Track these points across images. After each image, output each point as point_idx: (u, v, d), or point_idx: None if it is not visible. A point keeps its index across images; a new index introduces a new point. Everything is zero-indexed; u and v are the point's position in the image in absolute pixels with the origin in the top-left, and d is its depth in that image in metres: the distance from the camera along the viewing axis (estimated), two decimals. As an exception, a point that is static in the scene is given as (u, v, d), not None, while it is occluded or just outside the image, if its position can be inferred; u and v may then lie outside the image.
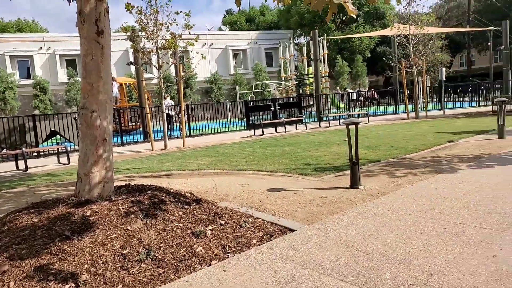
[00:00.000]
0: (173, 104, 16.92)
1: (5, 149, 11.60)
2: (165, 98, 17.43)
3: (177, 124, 16.73)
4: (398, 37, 17.38)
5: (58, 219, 3.75)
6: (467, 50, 39.28)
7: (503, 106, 9.20)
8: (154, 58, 11.64)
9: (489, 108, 17.59)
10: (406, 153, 8.21)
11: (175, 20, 11.32)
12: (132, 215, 3.92)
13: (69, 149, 11.07)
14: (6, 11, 75.54)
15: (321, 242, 3.58)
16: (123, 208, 4.03)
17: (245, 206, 5.01)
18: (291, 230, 4.00)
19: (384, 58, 25.95)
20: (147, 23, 11.01)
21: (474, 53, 45.29)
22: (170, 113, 16.40)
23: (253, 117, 17.58)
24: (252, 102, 18.46)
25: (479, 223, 3.75)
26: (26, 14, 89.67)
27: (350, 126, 5.72)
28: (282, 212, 4.68)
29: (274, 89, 30.12)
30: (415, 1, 17.90)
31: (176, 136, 15.61)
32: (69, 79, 28.17)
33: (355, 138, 5.62)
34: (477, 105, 21.00)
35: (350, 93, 21.94)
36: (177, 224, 4.01)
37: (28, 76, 28.44)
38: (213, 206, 4.76)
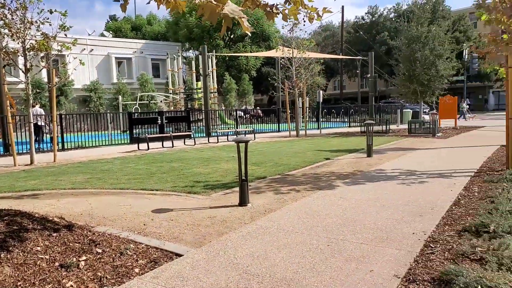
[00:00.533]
0: (43, 113, 14.97)
1: None
2: (33, 106, 15.38)
3: (48, 135, 14.91)
4: (282, 59, 18.47)
5: None
6: (339, 76, 43.88)
7: (371, 127, 10.35)
8: (20, 60, 10.20)
9: (358, 129, 19.75)
10: (289, 169, 8.60)
11: (47, 19, 10.12)
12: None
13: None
14: None
15: (210, 267, 3.42)
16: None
17: (127, 230, 4.58)
18: (178, 255, 3.75)
19: (269, 79, 27.38)
20: (12, 19, 9.63)
21: (346, 78, 50.86)
22: (40, 123, 14.50)
23: (137, 130, 16.68)
24: (136, 114, 17.54)
25: (357, 238, 4.02)
26: None
27: (240, 144, 5.72)
28: (168, 236, 4.39)
29: (161, 101, 29.21)
30: (298, 27, 19.27)
31: (46, 149, 13.89)
32: None
33: (244, 155, 5.63)
34: (348, 125, 23.45)
35: (238, 111, 22.51)
36: (42, 256, 3.43)
37: None
38: (88, 232, 4.24)
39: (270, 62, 40.27)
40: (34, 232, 3.76)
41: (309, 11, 4.35)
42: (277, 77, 24.97)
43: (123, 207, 5.65)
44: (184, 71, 32.58)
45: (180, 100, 26.95)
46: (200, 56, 25.11)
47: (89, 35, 32.73)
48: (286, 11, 4.31)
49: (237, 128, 19.34)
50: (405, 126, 20.90)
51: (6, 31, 9.53)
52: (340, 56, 34.96)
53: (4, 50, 9.66)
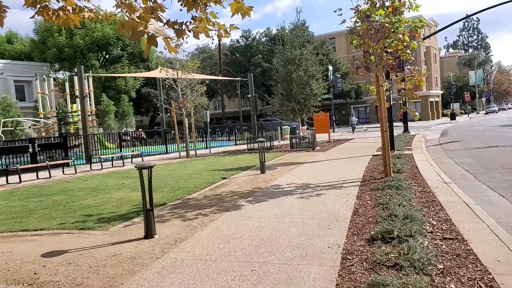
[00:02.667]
0: None
1: None
2: None
3: None
4: (167, 80, 18.01)
5: None
6: (219, 96, 44.82)
7: (263, 145, 10.68)
8: None
9: (245, 146, 20.28)
10: (189, 193, 8.29)
11: None
12: None
13: None
14: None
15: (133, 316, 2.99)
16: None
17: (13, 283, 3.81)
18: (90, 308, 3.21)
19: (154, 99, 26.46)
20: None
21: (226, 98, 52.16)
22: None
23: (3, 161, 14.29)
24: (1, 142, 15.06)
25: (278, 259, 3.99)
26: None
27: (143, 170, 5.26)
28: (69, 283, 3.76)
29: (29, 127, 25.74)
30: (180, 48, 19.10)
31: None
32: None
33: (149, 182, 5.20)
34: (234, 143, 23.92)
35: (121, 133, 21.10)
36: None
37: None
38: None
39: (150, 82, 39.06)
40: None
41: (217, 28, 4.27)
42: (160, 98, 24.25)
43: (2, 255, 4.68)
44: (62, 94, 29.40)
45: (53, 125, 24.13)
46: (75, 77, 22.97)
47: None
48: (197, 29, 4.16)
49: (121, 152, 18.07)
50: (286, 142, 22.25)
51: None
52: (221, 78, 35.79)
53: None
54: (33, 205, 7.97)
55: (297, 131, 21.57)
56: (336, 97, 43.76)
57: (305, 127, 24.77)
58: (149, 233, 5.13)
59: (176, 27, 3.90)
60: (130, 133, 26.69)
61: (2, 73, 30.07)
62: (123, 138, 22.15)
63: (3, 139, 19.53)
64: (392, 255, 3.50)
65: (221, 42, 40.58)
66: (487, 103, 77.22)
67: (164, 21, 3.88)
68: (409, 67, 9.12)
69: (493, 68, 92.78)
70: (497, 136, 19.02)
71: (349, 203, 6.17)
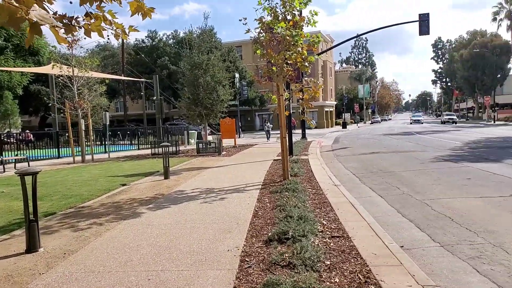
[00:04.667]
0: None
1: None
2: None
3: None
4: (61, 77, 16.51)
5: None
6: (122, 97, 42.57)
7: (167, 149, 10.40)
8: None
9: (148, 151, 19.52)
10: (82, 200, 7.70)
11: None
12: None
13: None
14: None
15: None
16: None
17: None
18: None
19: (44, 98, 23.98)
20: None
21: (129, 100, 49.75)
22: None
23: None
24: None
25: (177, 266, 3.91)
26: None
27: (26, 177, 4.73)
28: None
29: None
30: (77, 44, 17.68)
31: None
32: None
33: (32, 190, 4.69)
34: (137, 148, 22.86)
35: (3, 134, 18.69)
36: None
37: None
38: None
39: (41, 79, 35.39)
40: None
41: (115, 27, 4.06)
42: (52, 97, 22.11)
43: None
44: None
45: None
46: None
47: None
48: (89, 25, 3.89)
49: (1, 156, 16.02)
50: (192, 146, 22.02)
51: None
52: (124, 78, 34.05)
53: None
54: None
55: (203, 136, 21.50)
56: (242, 104, 44.79)
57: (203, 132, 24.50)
58: (32, 247, 4.63)
59: (65, 21, 3.62)
60: (15, 134, 23.84)
61: None
62: (6, 140, 19.70)
63: None
64: (286, 255, 3.68)
65: (124, 41, 38.66)
66: (373, 114, 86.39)
67: (51, 13, 3.56)
68: (306, 78, 9.75)
69: (377, 83, 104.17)
70: (379, 143, 21.39)
71: (250, 206, 6.33)
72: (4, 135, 19.04)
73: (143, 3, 4.16)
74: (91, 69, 17.10)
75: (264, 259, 3.85)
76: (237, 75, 36.40)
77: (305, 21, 8.93)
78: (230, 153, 17.29)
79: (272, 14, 8.81)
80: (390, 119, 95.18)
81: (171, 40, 52.40)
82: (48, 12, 3.36)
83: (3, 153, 17.05)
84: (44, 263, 4.20)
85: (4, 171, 13.59)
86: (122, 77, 34.32)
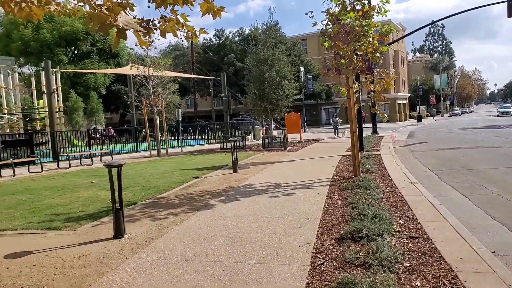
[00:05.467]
0: None
1: None
2: None
3: None
4: (138, 77, 17.64)
5: None
6: (192, 95, 44.38)
7: (236, 144, 10.65)
8: None
9: (217, 146, 20.16)
10: (159, 192, 8.16)
11: None
12: None
13: None
14: None
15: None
16: None
17: (-28, 287, 3.60)
18: (56, 311, 3.09)
19: (124, 96, 25.83)
20: None
21: (198, 97, 51.70)
22: None
23: (-38, 159, 13.56)
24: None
25: (250, 258, 3.99)
26: None
27: (112, 169, 5.13)
28: (33, 285, 3.62)
29: (-8, 123, 24.51)
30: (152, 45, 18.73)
31: None
32: None
33: (118, 181, 5.07)
34: (207, 143, 23.73)
35: (90, 130, 20.50)
36: None
37: None
38: None
39: (121, 79, 38.13)
40: None
41: (186, 30, 4.22)
42: (131, 95, 23.72)
43: (-40, 259, 4.44)
44: (28, 90, 28.16)
45: (18, 121, 23.12)
46: (41, 72, 22.10)
47: None
48: (164, 27, 4.08)
49: (90, 150, 17.56)
50: (258, 141, 22.30)
51: None
52: (194, 76, 35.44)
53: None
54: (-5, 204, 7.61)
55: (269, 131, 21.66)
56: (307, 98, 44.31)
57: (264, 128, 24.58)
58: (118, 233, 5.01)
59: (143, 25, 3.83)
60: (100, 130, 25.98)
61: (-38, 66, 28.45)
62: (92, 135, 21.55)
63: (-37, 135, 18.52)
64: (361, 253, 3.57)
65: (193, 41, 40.18)
66: (451, 106, 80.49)
67: (131, 17, 3.78)
68: (378, 69, 9.34)
69: (456, 73, 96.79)
70: (459, 138, 19.83)
71: (320, 202, 6.25)
72: (91, 131, 20.84)
73: (213, 4, 4.26)
74: (165, 69, 18.04)
75: (337, 257, 3.78)
76: (302, 68, 36.07)
77: (375, 10, 8.55)
78: (296, 148, 17.22)
79: (340, 5, 8.55)
80: (471, 111, 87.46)
81: (237, 37, 53.35)
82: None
83: (91, 147, 18.67)
84: (129, 249, 4.52)
85: (92, 163, 14.91)
86: (192, 76, 35.75)
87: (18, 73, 28.61)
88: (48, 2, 5.72)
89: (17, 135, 17.16)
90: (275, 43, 21.19)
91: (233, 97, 42.48)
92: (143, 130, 21.36)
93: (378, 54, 8.35)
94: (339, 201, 6.28)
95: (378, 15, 8.60)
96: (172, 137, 24.22)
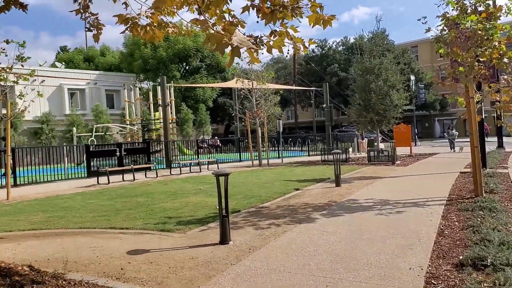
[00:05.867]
0: None
1: None
2: None
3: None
4: (242, 90, 18.58)
5: None
6: (293, 106, 44.96)
7: (338, 156, 10.47)
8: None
9: (318, 158, 20.06)
10: (261, 201, 8.40)
11: (3, 50, 9.49)
12: None
13: None
14: None
15: (210, 319, 3.11)
16: None
17: (103, 276, 4.15)
18: (171, 306, 3.40)
19: (230, 109, 27.39)
20: (-35, 50, 8.91)
21: (299, 108, 52.18)
22: None
23: (94, 163, 15.82)
24: (92, 146, 16.68)
25: (355, 277, 3.87)
26: None
27: (220, 177, 5.46)
28: (151, 281, 4.02)
29: (117, 132, 28.16)
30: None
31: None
32: None
33: (225, 190, 5.37)
34: (307, 154, 23.79)
35: (199, 140, 22.16)
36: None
37: None
38: (63, 282, 3.78)
39: (226, 92, 40.53)
40: (2, 286, 3.26)
41: (295, 42, 4.33)
42: (235, 107, 25.02)
43: (94, 249, 5.16)
44: (145, 103, 31.84)
45: (137, 131, 26.14)
46: (158, 87, 24.72)
47: (40, 65, 31.18)
48: (271, 43, 4.25)
49: (198, 158, 18.94)
50: (363, 154, 21.54)
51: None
52: (295, 87, 35.92)
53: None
54: (119, 205, 8.68)
55: (375, 144, 20.79)
56: (419, 108, 41.40)
57: (365, 140, 23.52)
58: (224, 239, 5.30)
59: (251, 41, 4.04)
60: (207, 140, 27.90)
61: (96, 83, 33.31)
62: (200, 145, 23.22)
63: (95, 143, 21.61)
64: (485, 284, 3.20)
65: (295, 53, 40.81)
66: None
67: (244, 36, 4.01)
68: (505, 77, 8.34)
69: None
70: None
71: (433, 223, 5.78)
72: (200, 141, 22.50)
73: (322, 14, 4.30)
74: (267, 81, 18.68)
75: (456, 285, 3.44)
76: (412, 77, 33.92)
77: (503, 11, 7.68)
78: (406, 163, 16.19)
79: (459, 8, 7.88)
80: None
81: (341, 47, 52.63)
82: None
83: (199, 156, 20.15)
84: (234, 255, 4.75)
85: (200, 171, 16.08)
86: (294, 87, 36.28)
87: (138, 88, 32.42)
88: (167, 25, 6.43)
89: (136, 144, 19.38)
90: (382, 51, 20.38)
91: (336, 108, 41.84)
92: (246, 140, 22.33)
93: (505, 60, 7.45)
94: (456, 223, 5.72)
95: (506, 16, 7.72)
96: (273, 148, 24.81)
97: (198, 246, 5.22)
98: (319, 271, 4.08)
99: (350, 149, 23.10)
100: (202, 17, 4.06)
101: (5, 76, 9.42)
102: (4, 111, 15.38)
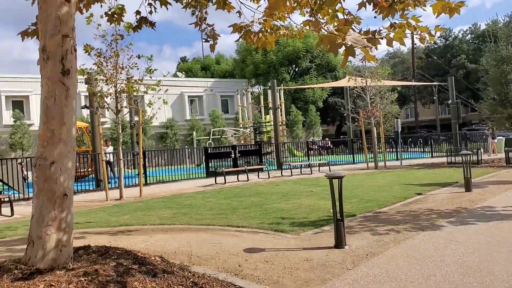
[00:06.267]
0: (111, 151, 16.46)
1: None
2: (108, 146, 16.96)
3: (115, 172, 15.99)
4: (355, 89, 18.06)
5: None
6: (413, 103, 42.02)
7: (468, 158, 9.47)
8: (110, 102, 11.05)
9: (443, 159, 18.38)
10: (379, 206, 8.05)
11: (136, 64, 10.94)
12: (96, 292, 3.24)
13: (12, 198, 9.85)
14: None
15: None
16: (85, 280, 3.34)
17: (223, 271, 4.44)
18: (287, 305, 3.48)
19: (341, 109, 26.91)
20: (106, 66, 10.52)
21: (419, 105, 48.58)
22: (110, 160, 15.92)
23: (212, 164, 17.09)
24: (210, 148, 18.00)
25: (492, 293, 3.47)
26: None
27: (333, 180, 5.40)
28: (267, 280, 4.17)
29: (232, 135, 29.94)
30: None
31: (131, 184, 14.60)
32: (15, 121, 26.25)
33: (339, 193, 5.30)
34: (429, 156, 21.99)
35: (309, 142, 22.24)
36: (152, 301, 3.36)
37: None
38: (189, 274, 4.15)
39: (337, 92, 39.86)
40: (139, 273, 3.73)
41: (419, 31, 4.06)
42: (347, 107, 24.42)
43: (213, 245, 5.56)
44: (257, 106, 33.31)
45: (250, 134, 27.40)
46: (268, 91, 25.54)
47: (164, 76, 34.91)
48: (391, 35, 4.06)
49: (309, 160, 18.99)
50: (500, 155, 19.11)
51: (101, 77, 10.41)
52: (415, 83, 33.55)
53: (99, 94, 10.52)
54: (235, 204, 9.20)
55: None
56: None
57: (496, 139, 20.53)
58: (339, 243, 5.23)
59: (369, 36, 3.91)
60: (317, 142, 27.81)
61: (212, 90, 35.94)
62: (310, 147, 23.27)
63: (212, 146, 23.30)
64: None
65: (414, 46, 38.13)
66: None
67: (357, 31, 3.92)
68: None
69: None
70: None
71: None
72: (310, 142, 22.58)
73: (449, 1, 3.95)
74: (383, 78, 17.82)
75: None
76: None
77: None
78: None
79: None
80: None
81: (469, 35, 47.50)
82: (355, 31, 3.73)
83: (309, 157, 20.22)
84: (350, 260, 4.66)
85: (311, 173, 16.13)
86: (413, 83, 33.92)
87: (250, 92, 34.00)
88: (278, 28, 6.63)
89: (249, 146, 20.30)
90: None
91: (463, 104, 37.85)
92: (360, 141, 21.63)
93: None
94: None
95: None
96: (390, 149, 23.56)
97: (312, 248, 5.24)
98: (447, 284, 3.75)
99: (482, 150, 20.68)
100: (314, 19, 4.10)
101: (137, 88, 10.82)
102: (136, 118, 17.69)
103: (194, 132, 28.37)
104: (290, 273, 4.34)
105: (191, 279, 3.93)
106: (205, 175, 16.55)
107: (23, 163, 13.59)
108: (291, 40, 34.51)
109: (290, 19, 5.07)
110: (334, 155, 22.65)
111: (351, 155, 21.34)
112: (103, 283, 3.35)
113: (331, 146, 27.26)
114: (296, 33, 6.75)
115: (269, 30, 6.10)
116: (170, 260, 4.61)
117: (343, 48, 2.99)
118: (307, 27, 4.06)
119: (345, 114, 28.40)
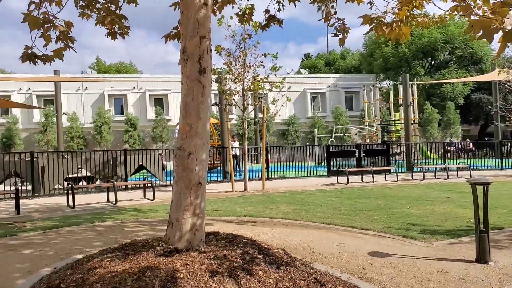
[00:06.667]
0: (238, 146, 17.69)
1: (99, 181, 12.41)
2: (234, 141, 18.20)
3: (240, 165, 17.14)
4: (507, 83, 15.86)
5: (148, 269, 3.50)
6: None
7: None
8: (237, 99, 11.82)
9: None
10: (535, 220, 6.96)
11: (262, 62, 11.44)
12: (226, 274, 3.51)
13: (154, 184, 11.32)
14: (109, 55, 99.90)
15: None
16: (215, 263, 3.66)
17: (346, 272, 4.37)
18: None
19: (487, 106, 23.95)
20: (235, 65, 11.24)
21: None
22: (237, 154, 17.09)
23: (333, 163, 16.90)
24: (332, 146, 17.81)
25: None
26: (125, 58, 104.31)
27: (477, 186, 4.85)
28: (394, 286, 3.97)
29: (356, 134, 29.15)
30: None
31: (254, 178, 15.39)
32: (156, 116, 30.10)
33: (484, 201, 4.74)
34: None
35: (446, 143, 20.34)
36: (275, 290, 3.50)
37: (122, 113, 31.07)
38: (311, 270, 4.19)
39: (483, 87, 35.50)
40: (263, 263, 3.91)
41: None
42: (495, 104, 21.60)
43: (335, 245, 5.51)
44: (385, 103, 31.87)
45: (376, 132, 26.28)
46: (399, 86, 24.09)
47: (287, 73, 35.68)
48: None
49: (445, 163, 17.37)
50: None
51: (230, 75, 11.20)
52: None
53: (228, 92, 11.35)
54: (359, 205, 8.95)
55: None
56: None
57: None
58: (481, 257, 4.69)
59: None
60: (456, 143, 25.24)
61: (335, 86, 35.43)
62: (447, 148, 21.24)
63: (335, 144, 23.03)
64: None
65: None
66: None
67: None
68: None
69: None
70: None
71: None
72: (446, 143, 20.63)
73: None
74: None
75: None
76: None
77: None
78: None
79: None
80: None
81: None
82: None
83: (446, 160, 18.49)
84: (496, 278, 4.15)
85: (447, 178, 14.75)
86: None
87: (378, 88, 32.52)
88: (414, 16, 6.18)
89: (375, 145, 19.48)
90: None
91: None
92: (510, 144, 18.96)
93: None
94: None
95: None
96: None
97: (447, 259, 4.81)
98: None
99: None
100: (464, 3, 3.73)
101: (262, 85, 11.32)
102: (260, 115, 18.57)
103: (316, 130, 28.39)
104: (420, 282, 4.07)
105: (313, 276, 3.97)
106: (326, 174, 16.46)
107: (162, 154, 15.49)
108: (427, 30, 31.91)
109: (435, 4, 4.68)
110: (477, 159, 20.21)
111: (499, 160, 18.84)
112: (230, 268, 3.61)
113: (473, 148, 24.38)
114: (438, 20, 6.21)
115: (404, 19, 5.75)
116: (292, 254, 4.72)
117: (499, 34, 2.65)
118: (455, 13, 3.70)
119: (493, 113, 25.13)
